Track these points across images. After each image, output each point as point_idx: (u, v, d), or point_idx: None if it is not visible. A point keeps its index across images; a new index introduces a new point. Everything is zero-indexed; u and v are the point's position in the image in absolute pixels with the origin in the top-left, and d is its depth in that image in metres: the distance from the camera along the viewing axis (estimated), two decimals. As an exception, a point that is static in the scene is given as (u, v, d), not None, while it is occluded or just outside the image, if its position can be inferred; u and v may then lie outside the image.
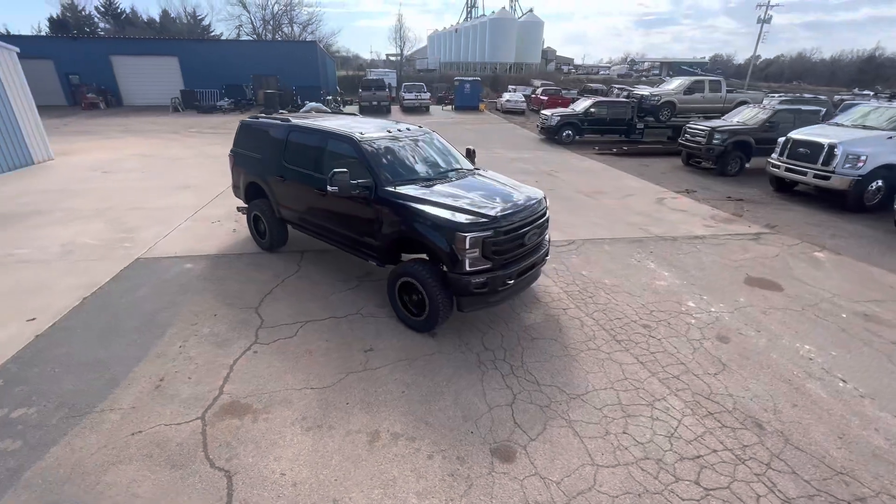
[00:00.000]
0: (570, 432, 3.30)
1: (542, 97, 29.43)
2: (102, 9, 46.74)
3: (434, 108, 31.47)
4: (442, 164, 5.27)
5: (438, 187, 4.61)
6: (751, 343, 4.44)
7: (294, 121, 5.71)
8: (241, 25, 46.58)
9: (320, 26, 56.33)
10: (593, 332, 4.58)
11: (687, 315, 4.94)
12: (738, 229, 7.83)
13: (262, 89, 28.17)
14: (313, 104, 25.25)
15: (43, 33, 42.26)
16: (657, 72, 66.64)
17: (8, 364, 3.95)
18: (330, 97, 29.03)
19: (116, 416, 3.37)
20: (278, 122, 5.84)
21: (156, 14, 49.85)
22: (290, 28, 47.88)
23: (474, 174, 5.26)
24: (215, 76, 28.99)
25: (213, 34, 49.29)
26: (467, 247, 3.92)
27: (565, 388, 3.77)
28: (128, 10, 48.20)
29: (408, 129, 5.42)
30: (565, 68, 75.29)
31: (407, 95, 28.26)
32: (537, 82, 40.58)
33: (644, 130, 17.71)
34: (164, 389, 3.66)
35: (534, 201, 4.55)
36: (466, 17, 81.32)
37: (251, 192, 6.35)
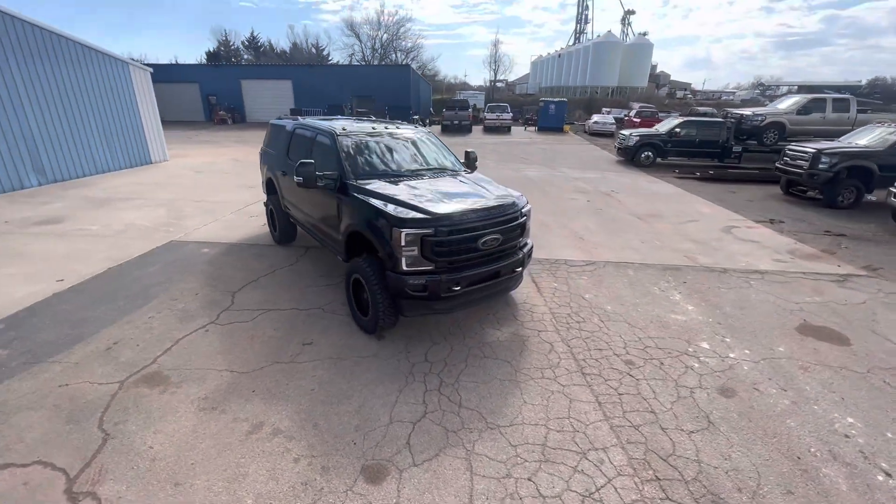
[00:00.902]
0: (463, 465, 2.77)
1: (634, 119, 27.53)
2: (246, 43, 55.38)
3: (516, 129, 31.23)
4: (423, 163, 5.05)
5: (403, 184, 4.39)
6: (765, 402, 3.39)
7: (302, 119, 5.95)
8: (353, 54, 51.58)
9: (421, 52, 59.79)
10: (558, 361, 3.91)
11: (691, 357, 3.98)
12: (819, 268, 6.26)
13: (358, 109, 30.57)
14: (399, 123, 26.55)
15: (203, 62, 51.29)
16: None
17: (20, 312, 4.57)
18: (417, 116, 30.43)
19: (58, 368, 3.66)
20: (289, 120, 6.15)
21: (286, 46, 57.64)
22: (394, 55, 51.72)
23: (456, 175, 4.94)
24: (321, 97, 32.27)
25: (330, 61, 55.28)
26: (403, 244, 3.62)
27: (488, 415, 3.22)
28: (265, 44, 56.38)
29: (397, 129, 5.31)
30: (681, 93, 70.08)
31: (489, 116, 28.47)
32: (636, 105, 38.16)
33: (742, 155, 15.47)
34: (111, 352, 3.91)
35: (497, 205, 4.08)
36: (575, 42, 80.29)
37: (269, 188, 6.74)
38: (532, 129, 31.01)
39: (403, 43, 52.57)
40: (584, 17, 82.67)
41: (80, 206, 8.82)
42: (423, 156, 5.17)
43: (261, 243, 6.81)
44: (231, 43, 55.83)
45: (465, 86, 69.40)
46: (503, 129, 28.66)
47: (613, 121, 28.60)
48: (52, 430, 2.99)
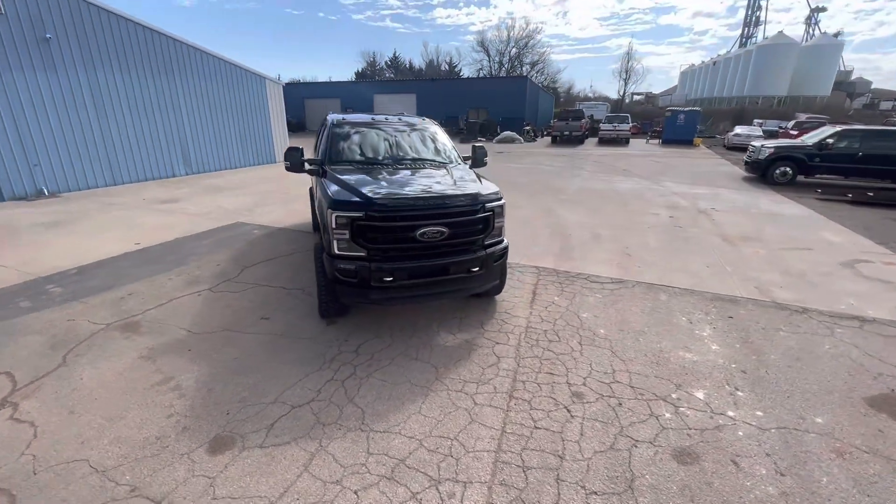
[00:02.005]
0: (303, 459, 2.56)
1: (791, 131, 22.81)
2: (388, 63, 61.45)
3: (638, 142, 28.45)
4: (412, 154, 4.91)
5: (374, 172, 4.31)
6: (734, 484, 2.41)
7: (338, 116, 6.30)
8: (481, 69, 53.21)
9: (548, 65, 58.36)
10: (492, 377, 3.37)
11: (668, 404, 3.06)
12: (976, 327, 4.28)
13: (471, 120, 31.41)
14: (507, 133, 26.64)
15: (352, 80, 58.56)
16: None
17: (92, 264, 5.71)
18: (528, 127, 29.93)
19: (79, 308, 4.46)
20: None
21: (422, 64, 62.47)
22: (520, 68, 51.84)
23: (441, 167, 4.67)
24: (440, 108, 34.00)
25: (461, 76, 57.99)
26: (334, 226, 3.54)
27: (370, 416, 2.92)
28: (404, 63, 61.79)
29: (399, 120, 5.26)
30: (889, 104, 56.20)
31: (604, 126, 26.50)
32: (802, 116, 31.56)
33: (934, 175, 11.55)
34: (121, 301, 4.62)
35: (444, 195, 3.72)
36: (739, 47, 70.28)
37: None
38: (655, 141, 27.93)
39: (530, 56, 52.47)
40: (754, 19, 71.94)
41: (197, 192, 10.74)
42: (415, 148, 5.03)
43: (302, 230, 7.39)
44: (377, 63, 62.63)
45: (586, 98, 65.79)
46: (620, 141, 26.40)
47: (761, 133, 24.07)
48: (35, 351, 3.64)
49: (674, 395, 3.16)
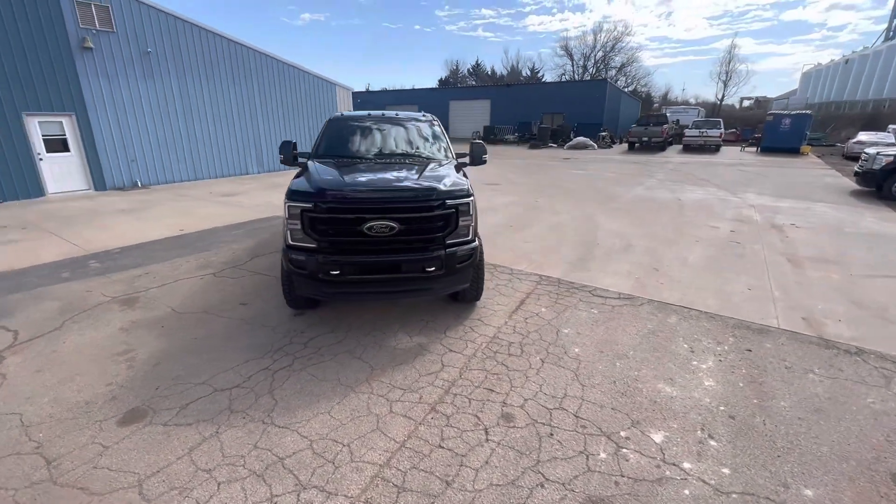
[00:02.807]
0: (193, 441, 2.55)
1: (935, 139, 18.72)
2: (471, 70, 62.16)
3: (730, 149, 25.35)
4: (401, 149, 4.82)
5: (350, 164, 4.29)
6: (649, 553, 1.91)
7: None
8: (563, 73, 51.51)
9: (637, 68, 54.34)
10: (423, 385, 3.11)
11: (610, 443, 2.56)
12: None
13: (543, 125, 30.45)
14: (580, 139, 25.48)
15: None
16: None
17: (133, 245, 6.42)
18: (605, 132, 28.21)
19: (102, 281, 5.02)
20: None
21: (504, 71, 62.08)
22: (605, 72, 49.18)
23: (427, 162, 4.50)
24: (514, 114, 33.54)
25: (542, 81, 56.72)
26: (287, 216, 3.55)
27: (280, 409, 2.85)
28: (486, 70, 62.08)
29: (396, 116, 5.20)
30: None
31: (689, 133, 24.02)
32: (961, 121, 25.74)
33: None
34: (136, 279, 5.11)
35: (397, 188, 3.54)
36: (887, 40, 59.77)
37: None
38: (752, 149, 24.68)
39: (618, 58, 49.52)
40: (906, 8, 60.66)
41: (259, 188, 11.70)
42: (402, 143, 4.93)
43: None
44: (459, 71, 63.70)
45: (682, 102, 60.11)
46: (709, 149, 23.75)
47: (895, 139, 20.05)
48: (46, 315, 4.15)
49: (622, 434, 2.64)
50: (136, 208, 8.99)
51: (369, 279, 3.56)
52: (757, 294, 4.76)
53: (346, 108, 18.20)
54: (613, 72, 49.87)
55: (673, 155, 22.46)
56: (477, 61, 63.51)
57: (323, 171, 3.94)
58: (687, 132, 24.38)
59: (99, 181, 11.18)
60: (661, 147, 23.93)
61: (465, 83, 63.00)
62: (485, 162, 5.17)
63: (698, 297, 4.66)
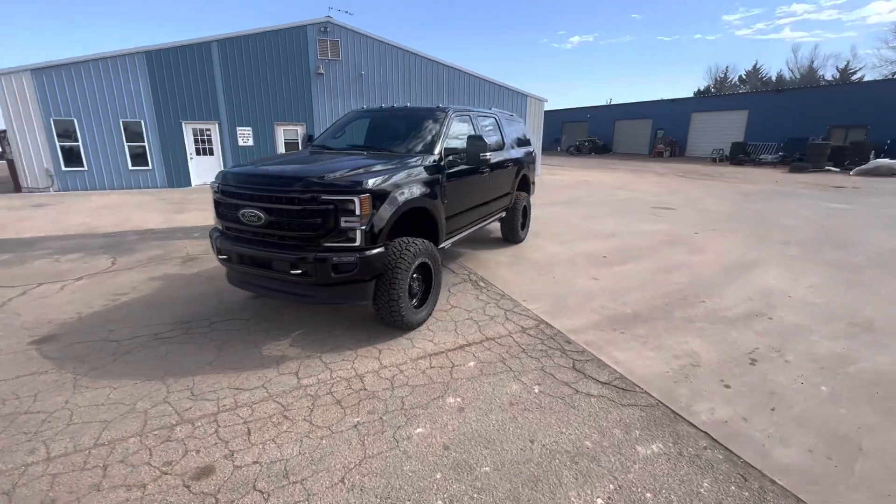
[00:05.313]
0: (64, 395, 3.00)
1: None
2: (744, 76, 50.67)
3: None
4: (383, 142, 4.48)
5: (312, 154, 4.26)
6: None
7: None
8: (895, 72, 35.91)
9: None
10: (336, 379, 2.74)
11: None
12: None
13: (831, 143, 22.01)
14: (884, 161, 17.86)
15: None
16: None
17: (148, 230, 7.83)
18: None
19: (108, 262, 6.34)
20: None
21: (792, 74, 47.38)
22: None
23: (392, 157, 3.97)
24: (781, 128, 25.68)
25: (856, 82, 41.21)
26: (213, 197, 3.73)
27: (86, 374, 3.04)
28: (766, 74, 49.46)
29: (409, 110, 4.79)
30: None
31: None
32: None
33: None
34: (143, 261, 6.14)
35: (270, 174, 3.30)
36: None
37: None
38: None
39: None
40: None
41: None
42: (391, 137, 4.52)
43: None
44: (728, 79, 52.90)
45: None
46: None
47: None
48: (137, 259, 5.65)
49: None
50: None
51: (248, 271, 3.40)
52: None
53: (536, 119, 17.82)
54: None
55: None
56: (755, 65, 50.94)
57: (270, 158, 4.04)
58: None
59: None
60: None
61: (737, 90, 51.89)
62: (483, 160, 4.15)
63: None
